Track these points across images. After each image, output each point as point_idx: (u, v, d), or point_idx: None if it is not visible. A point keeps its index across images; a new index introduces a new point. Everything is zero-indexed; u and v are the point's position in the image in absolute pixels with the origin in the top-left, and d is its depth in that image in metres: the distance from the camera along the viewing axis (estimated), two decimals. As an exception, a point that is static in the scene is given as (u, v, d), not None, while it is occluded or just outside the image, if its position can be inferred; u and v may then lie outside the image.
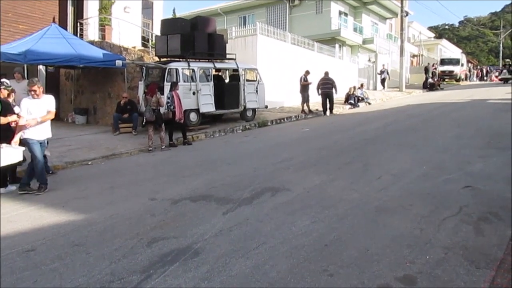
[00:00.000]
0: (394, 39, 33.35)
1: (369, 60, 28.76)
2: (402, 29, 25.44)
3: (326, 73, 16.81)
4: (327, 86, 16.32)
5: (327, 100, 16.38)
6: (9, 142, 6.57)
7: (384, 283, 3.44)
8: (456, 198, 5.54)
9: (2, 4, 14.87)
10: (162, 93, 11.06)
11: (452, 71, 30.48)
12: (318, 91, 16.42)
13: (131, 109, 12.53)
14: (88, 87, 15.33)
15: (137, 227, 5.01)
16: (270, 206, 5.51)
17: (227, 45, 14.27)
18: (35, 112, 6.68)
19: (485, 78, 37.84)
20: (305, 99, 16.13)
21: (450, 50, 46.65)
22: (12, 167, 7.24)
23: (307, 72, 16.21)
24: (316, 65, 19.26)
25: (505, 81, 28.84)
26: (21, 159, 6.70)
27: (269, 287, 3.46)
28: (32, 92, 6.71)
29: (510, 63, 32.93)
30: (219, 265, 3.87)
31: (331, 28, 27.92)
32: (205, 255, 4.08)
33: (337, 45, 27.29)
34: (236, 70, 13.95)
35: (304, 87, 16.06)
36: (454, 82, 30.43)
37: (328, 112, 16.40)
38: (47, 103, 6.81)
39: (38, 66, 14.98)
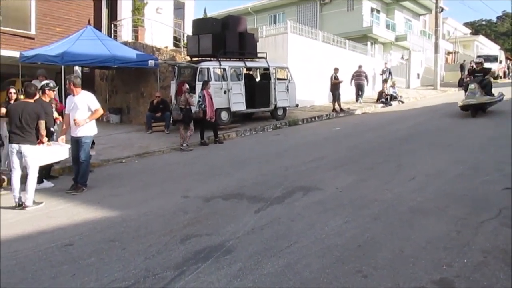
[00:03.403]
0: (428, 36, 32.52)
1: (402, 58, 28.16)
2: (436, 25, 24.77)
3: (360, 66, 18.89)
4: (360, 78, 18.54)
5: (359, 90, 18.65)
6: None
7: (420, 286, 3.36)
8: (494, 200, 5.35)
9: (40, 8, 15.39)
10: (194, 92, 11.17)
11: (490, 69, 29.38)
12: (351, 82, 18.39)
13: (164, 108, 12.73)
14: (122, 87, 15.69)
15: (170, 224, 5.09)
16: (302, 205, 5.49)
17: (257, 44, 14.28)
18: (72, 109, 6.86)
19: None
20: (336, 98, 15.94)
21: (488, 46, 45.07)
22: (49, 165, 7.49)
23: (336, 70, 16.00)
24: (347, 63, 19.05)
25: (474, 111, 12.22)
26: (67, 156, 6.90)
27: (302, 287, 3.44)
28: (68, 89, 6.94)
29: (476, 66, 13.81)
30: (251, 263, 3.88)
31: (363, 25, 27.51)
32: (237, 253, 4.10)
33: (369, 43, 26.84)
34: (267, 69, 13.95)
35: (335, 86, 15.87)
36: (492, 80, 29.38)
37: (360, 99, 18.55)
38: (86, 101, 6.95)
39: (74, 67, 15.43)
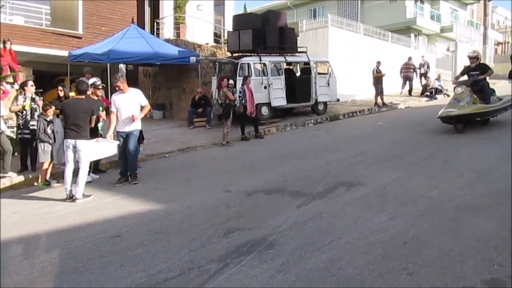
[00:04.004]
0: (476, 26, 31.17)
1: (448, 50, 27.16)
2: (485, 15, 23.78)
3: (409, 58, 18.83)
4: (408, 70, 18.48)
5: (407, 82, 18.67)
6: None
7: (470, 286, 3.25)
8: (550, 197, 5.08)
9: (86, 8, 15.96)
10: (235, 87, 11.22)
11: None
12: (400, 74, 18.65)
13: (205, 104, 12.90)
14: (165, 84, 16.04)
15: (213, 217, 5.17)
16: (344, 201, 5.43)
17: (298, 38, 14.20)
18: (123, 106, 7.09)
19: None
20: (379, 92, 15.61)
21: (541, 36, 42.60)
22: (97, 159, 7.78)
23: (379, 63, 15.67)
24: (390, 56, 18.60)
25: (458, 125, 9.30)
26: (116, 152, 7.14)
27: (345, 284, 3.41)
28: (117, 88, 7.16)
29: (471, 62, 9.85)
30: (294, 258, 3.88)
31: (406, 17, 26.75)
32: (280, 247, 4.11)
33: (412, 35, 26.10)
34: (307, 63, 13.85)
35: (377, 79, 15.53)
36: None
37: (402, 91, 18.78)
38: (136, 97, 7.22)
39: (119, 65, 15.91)
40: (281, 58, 13.26)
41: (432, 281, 3.35)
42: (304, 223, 4.74)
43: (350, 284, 3.37)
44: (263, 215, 5.12)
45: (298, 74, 14.90)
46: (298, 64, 14.96)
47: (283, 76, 13.09)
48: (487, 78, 9.75)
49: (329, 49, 16.76)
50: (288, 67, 14.43)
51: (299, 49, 13.86)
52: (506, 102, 9.74)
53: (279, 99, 12.81)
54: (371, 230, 4.41)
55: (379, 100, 15.71)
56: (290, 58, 13.72)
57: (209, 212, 5.43)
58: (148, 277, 3.72)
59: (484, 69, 9.77)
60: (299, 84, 13.54)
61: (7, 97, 8.34)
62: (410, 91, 18.58)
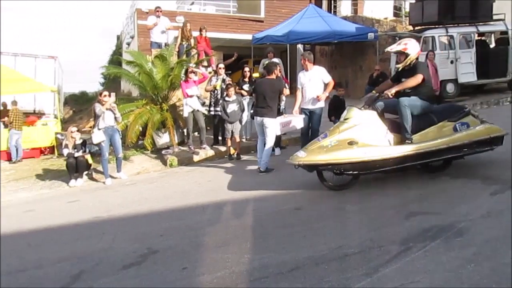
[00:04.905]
0: None
1: None
2: None
3: None
4: None
5: None
6: None
7: None
8: None
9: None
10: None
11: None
12: None
13: (383, 81, 12.44)
14: (341, 62, 16.00)
15: (393, 199, 5.04)
16: (553, 191, 4.65)
17: (493, 4, 12.47)
18: (307, 83, 7.34)
19: None
20: None
21: None
22: (278, 136, 8.26)
23: None
24: None
25: (321, 175, 5.62)
26: (302, 126, 7.42)
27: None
28: (302, 63, 7.46)
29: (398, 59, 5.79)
30: (487, 249, 3.51)
31: None
32: (470, 236, 3.77)
33: None
34: (504, 33, 12.08)
35: None
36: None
37: None
38: (319, 75, 7.38)
39: (297, 45, 16.45)
40: (471, 29, 11.86)
41: None
42: (500, 212, 4.24)
43: (561, 287, 2.91)
44: (450, 200, 4.76)
45: (492, 45, 13.14)
46: (493, 34, 13.19)
47: (474, 48, 11.69)
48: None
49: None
50: (480, 38, 12.84)
51: (494, 17, 12.17)
52: (463, 139, 5.32)
53: (468, 74, 11.52)
54: None
55: None
56: (482, 28, 12.17)
57: (389, 192, 5.30)
58: (328, 250, 3.83)
59: (412, 69, 5.58)
60: (493, 57, 11.96)
61: (205, 81, 9.51)
62: None
